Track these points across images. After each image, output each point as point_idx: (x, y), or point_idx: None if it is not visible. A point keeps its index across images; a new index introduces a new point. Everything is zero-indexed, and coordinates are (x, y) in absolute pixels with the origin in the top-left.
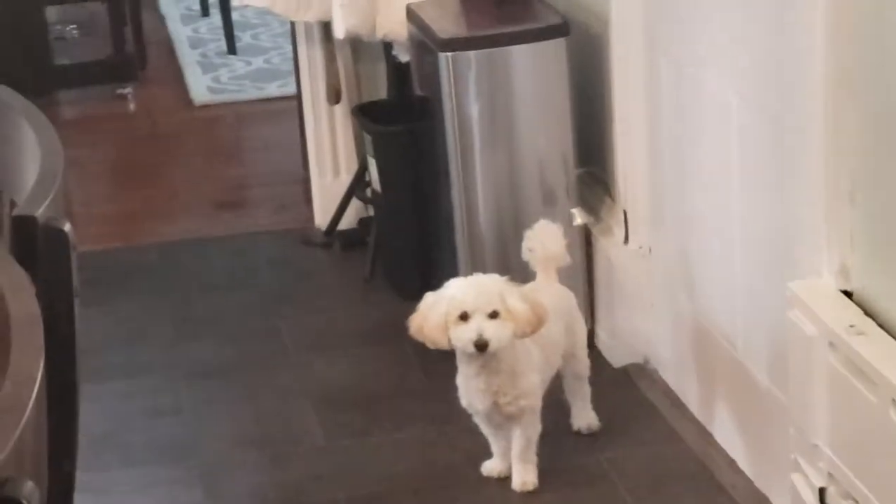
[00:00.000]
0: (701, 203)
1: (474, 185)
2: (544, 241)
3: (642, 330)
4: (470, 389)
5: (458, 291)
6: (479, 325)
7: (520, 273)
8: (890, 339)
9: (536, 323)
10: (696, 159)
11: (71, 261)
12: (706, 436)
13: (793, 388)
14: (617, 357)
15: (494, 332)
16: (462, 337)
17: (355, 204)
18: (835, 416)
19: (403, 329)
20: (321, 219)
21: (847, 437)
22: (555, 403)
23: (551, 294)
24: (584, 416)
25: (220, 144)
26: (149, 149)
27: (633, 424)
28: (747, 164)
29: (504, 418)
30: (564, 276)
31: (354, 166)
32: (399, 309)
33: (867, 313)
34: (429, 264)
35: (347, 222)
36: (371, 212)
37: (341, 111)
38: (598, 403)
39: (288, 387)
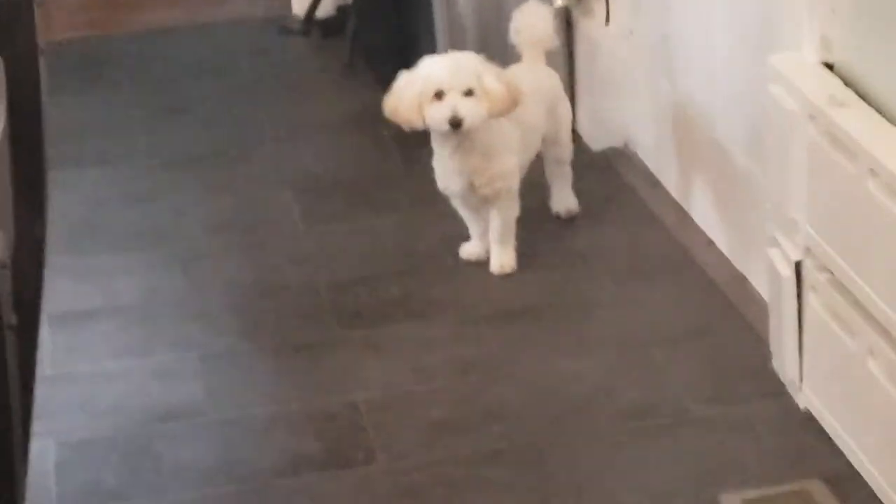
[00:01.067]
0: None
1: None
2: (533, 23)
3: (622, 113)
4: (446, 171)
5: (433, 69)
6: (454, 103)
7: (500, 57)
8: (870, 109)
9: (511, 103)
10: None
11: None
12: (684, 217)
13: (772, 163)
14: (596, 140)
15: (469, 110)
16: (436, 115)
17: None
18: (813, 189)
19: (382, 116)
20: (299, 7)
21: (825, 210)
22: (535, 187)
23: (535, 76)
24: (563, 200)
25: None
26: None
27: (612, 208)
28: None
29: (480, 200)
30: (545, 59)
31: None
32: (378, 96)
33: (848, 85)
34: (408, 51)
35: (325, 10)
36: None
37: None
38: (577, 187)
39: (266, 174)
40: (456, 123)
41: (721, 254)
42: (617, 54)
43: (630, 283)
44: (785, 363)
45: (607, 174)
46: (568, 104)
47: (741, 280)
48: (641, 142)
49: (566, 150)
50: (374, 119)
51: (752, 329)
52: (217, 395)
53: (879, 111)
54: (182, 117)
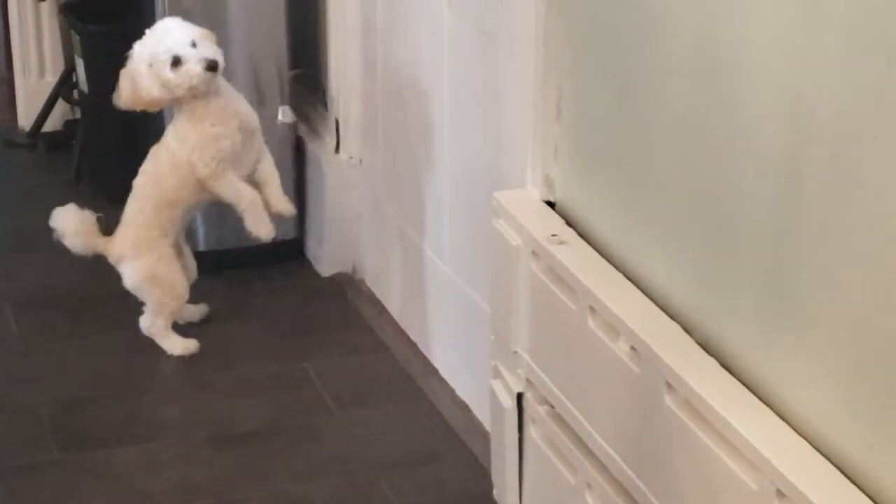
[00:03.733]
0: (411, 114)
1: None
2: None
3: (350, 239)
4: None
5: (156, 45)
6: (198, 53)
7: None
8: (589, 248)
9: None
10: (409, 71)
11: None
12: (410, 344)
13: (495, 296)
14: (325, 265)
15: (213, 51)
16: (190, 71)
17: (61, 105)
18: (535, 323)
19: (108, 231)
20: (25, 119)
21: (546, 344)
22: (254, 312)
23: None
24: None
25: None
26: None
27: (339, 333)
28: (458, 77)
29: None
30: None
31: (61, 67)
32: (105, 209)
33: (569, 223)
34: (135, 166)
35: (53, 124)
36: (77, 114)
37: (48, 9)
38: (304, 311)
39: None
40: (213, 66)
41: (446, 382)
42: (346, 181)
43: (356, 408)
44: (506, 494)
45: (335, 299)
46: None
47: (465, 409)
48: (369, 268)
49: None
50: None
51: (475, 458)
52: None
53: (598, 250)
54: None
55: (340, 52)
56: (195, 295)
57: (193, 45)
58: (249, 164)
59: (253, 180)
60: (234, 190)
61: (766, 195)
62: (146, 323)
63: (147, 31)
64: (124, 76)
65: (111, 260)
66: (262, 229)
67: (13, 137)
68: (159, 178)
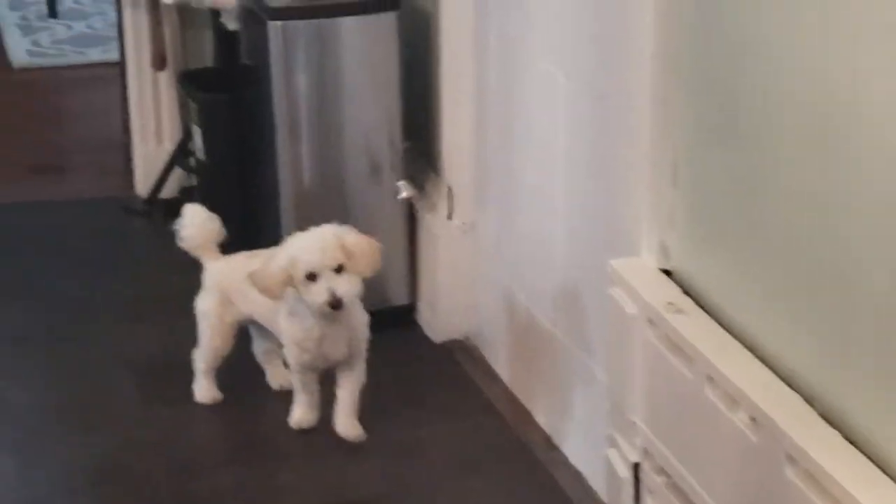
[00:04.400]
0: (525, 180)
1: (300, 157)
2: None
3: (463, 306)
4: (325, 343)
5: (302, 252)
6: (331, 285)
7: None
8: (706, 316)
9: (377, 261)
10: (522, 136)
11: None
12: (524, 413)
13: (611, 364)
14: (437, 332)
15: (346, 289)
16: (315, 300)
17: (178, 173)
18: (652, 392)
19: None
20: (142, 187)
21: (662, 413)
22: (373, 377)
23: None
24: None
25: (38, 109)
26: None
27: (451, 400)
28: (572, 142)
29: (330, 366)
30: (387, 251)
31: (178, 134)
32: None
33: (685, 292)
34: (252, 236)
35: (169, 191)
36: (194, 181)
37: (166, 78)
38: (416, 377)
39: (103, 354)
40: (336, 305)
41: (559, 450)
42: (458, 248)
43: (468, 476)
44: None
45: (448, 366)
46: None
47: (579, 478)
48: (482, 335)
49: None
50: None
51: None
52: None
53: (716, 319)
54: (16, 294)
55: (453, 121)
56: None
57: (339, 269)
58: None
59: (338, 372)
60: (301, 382)
61: (888, 265)
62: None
63: (309, 231)
64: (270, 256)
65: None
66: (294, 416)
67: (131, 204)
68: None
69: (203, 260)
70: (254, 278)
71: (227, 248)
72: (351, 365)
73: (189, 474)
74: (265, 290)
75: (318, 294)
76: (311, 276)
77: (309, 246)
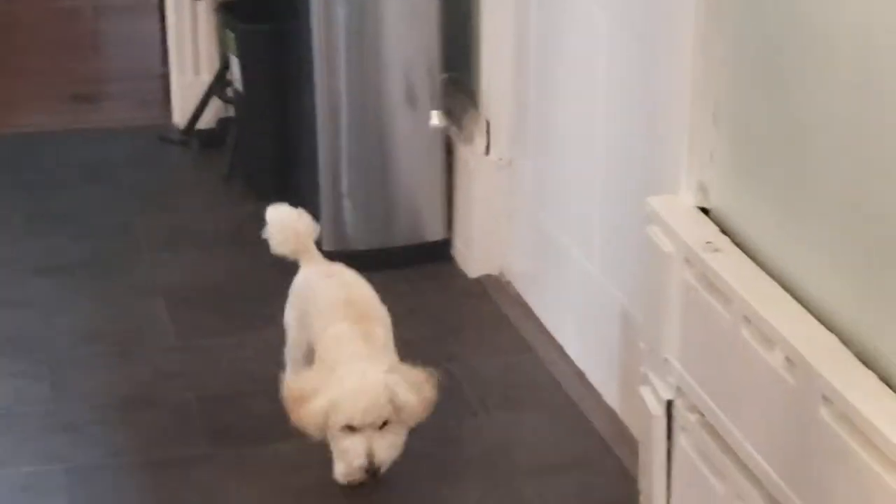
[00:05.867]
0: (564, 117)
1: (338, 87)
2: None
3: (499, 242)
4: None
5: (346, 400)
6: (369, 446)
7: (377, 174)
8: (744, 256)
9: (424, 415)
10: (562, 73)
11: None
12: (557, 348)
13: (647, 302)
14: (472, 267)
15: (386, 454)
16: (349, 460)
17: (215, 103)
18: (686, 330)
19: (259, 228)
20: (180, 117)
21: (697, 352)
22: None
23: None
24: None
25: (78, 37)
26: (4, 38)
27: (485, 335)
28: (613, 80)
29: None
30: (422, 185)
31: (216, 65)
32: (256, 209)
33: (723, 231)
34: (288, 166)
35: (206, 121)
36: (231, 111)
37: (204, 8)
38: (451, 312)
39: (140, 284)
40: (372, 473)
41: (593, 387)
42: (495, 183)
43: (501, 411)
44: (653, 502)
45: (482, 301)
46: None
47: (613, 415)
48: (517, 271)
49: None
50: (251, 233)
51: (622, 466)
52: None
53: (754, 259)
54: (55, 223)
55: (492, 54)
56: None
57: (383, 425)
58: None
59: None
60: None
61: None
62: None
63: (359, 368)
64: (311, 381)
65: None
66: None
67: (168, 134)
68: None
69: (300, 263)
70: (290, 406)
71: (264, 177)
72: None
73: (222, 404)
74: (304, 427)
75: (355, 454)
76: (350, 428)
77: (354, 395)
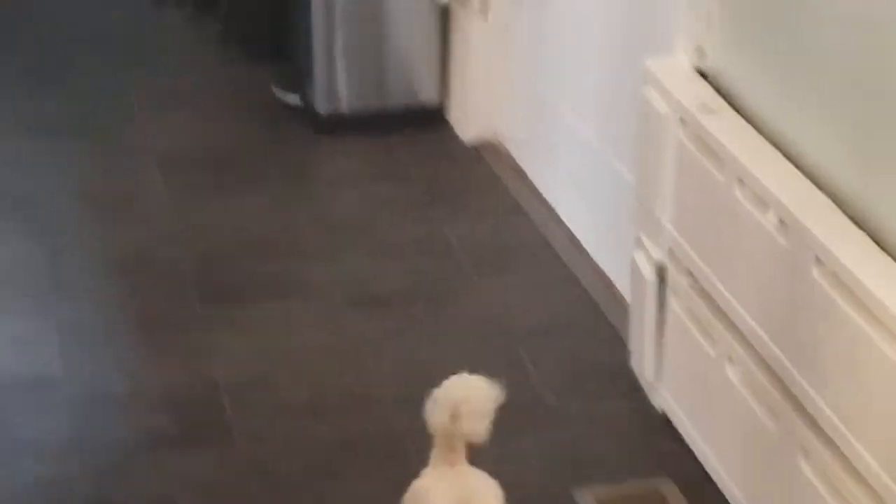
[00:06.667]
0: None
1: None
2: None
3: (494, 106)
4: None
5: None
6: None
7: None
8: (740, 118)
9: None
10: None
11: None
12: (550, 211)
13: (641, 163)
14: (468, 132)
15: None
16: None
17: None
18: (680, 193)
19: (252, 90)
20: None
21: (690, 215)
22: (396, 175)
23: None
24: None
25: None
26: None
27: (479, 198)
28: None
29: None
30: (418, 47)
31: None
32: (250, 70)
33: (720, 93)
34: (282, 27)
35: None
36: None
37: None
38: (446, 176)
39: (134, 145)
40: None
41: (586, 251)
42: (492, 48)
43: (494, 274)
44: (643, 364)
45: (477, 164)
46: None
47: (605, 279)
48: (511, 134)
49: None
50: (246, 93)
51: (613, 329)
52: (74, 367)
53: (749, 121)
54: (50, 84)
55: None
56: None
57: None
58: None
59: None
60: None
61: None
62: None
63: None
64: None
65: None
66: None
67: None
68: None
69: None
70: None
71: (257, 38)
72: None
73: (214, 265)
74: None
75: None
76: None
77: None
